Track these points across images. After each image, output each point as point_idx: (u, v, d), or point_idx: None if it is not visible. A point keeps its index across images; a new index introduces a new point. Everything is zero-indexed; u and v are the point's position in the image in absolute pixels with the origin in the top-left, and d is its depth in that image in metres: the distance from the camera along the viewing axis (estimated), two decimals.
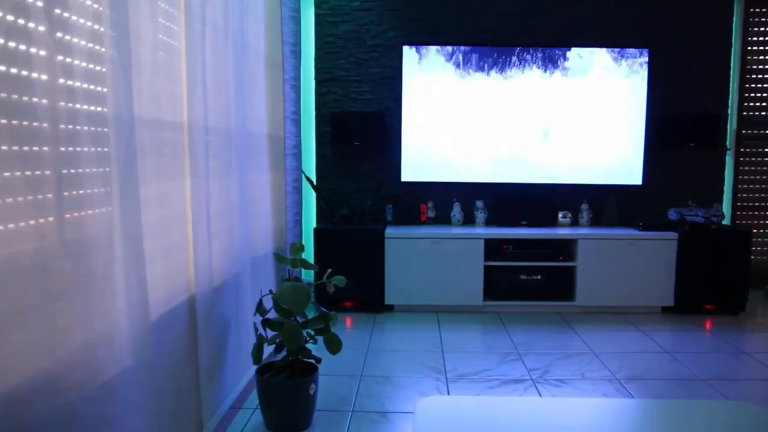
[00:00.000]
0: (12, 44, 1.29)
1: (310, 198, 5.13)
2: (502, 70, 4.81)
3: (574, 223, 5.02)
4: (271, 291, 2.82)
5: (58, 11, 1.45)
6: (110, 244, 1.67)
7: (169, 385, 2.18)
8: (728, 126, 5.04)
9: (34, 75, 1.36)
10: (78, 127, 1.53)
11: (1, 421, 1.26)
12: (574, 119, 4.84)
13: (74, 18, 1.53)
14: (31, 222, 1.36)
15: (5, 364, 1.27)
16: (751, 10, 5.00)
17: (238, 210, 2.97)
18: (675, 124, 4.86)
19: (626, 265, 4.53)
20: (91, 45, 1.60)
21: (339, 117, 4.85)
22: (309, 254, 4.82)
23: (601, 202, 5.05)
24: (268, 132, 3.69)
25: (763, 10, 5.00)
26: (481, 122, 4.85)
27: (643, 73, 4.79)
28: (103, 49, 1.64)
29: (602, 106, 4.83)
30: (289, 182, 4.08)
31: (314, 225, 5.09)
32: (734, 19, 4.95)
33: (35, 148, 1.37)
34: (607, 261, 4.53)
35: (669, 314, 4.59)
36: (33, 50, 1.36)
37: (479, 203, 4.95)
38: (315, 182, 5.07)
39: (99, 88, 1.63)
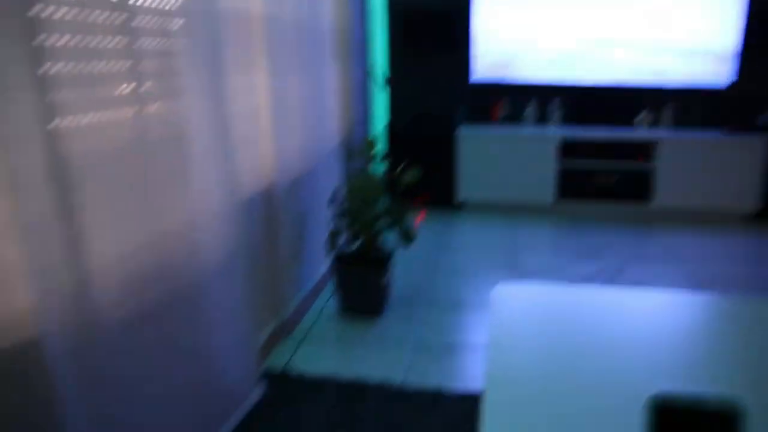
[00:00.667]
0: None
1: (382, 95, 5.05)
2: None
3: (656, 123, 4.77)
4: (345, 183, 2.84)
5: None
6: (203, 132, 1.71)
7: (253, 268, 2.27)
8: None
9: None
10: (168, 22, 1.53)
11: (122, 296, 1.34)
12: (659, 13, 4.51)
13: None
14: (135, 108, 1.41)
15: (125, 237, 1.35)
16: None
17: (312, 104, 2.96)
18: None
19: (710, 169, 4.31)
20: None
21: (411, 14, 4.68)
22: (381, 153, 4.81)
23: (686, 103, 4.76)
24: (339, 26, 3.60)
25: None
26: (561, 10, 4.58)
27: None
28: None
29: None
30: (358, 78, 4.02)
31: (386, 122, 5.05)
32: None
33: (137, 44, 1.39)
34: (689, 163, 4.32)
35: (752, 221, 4.39)
36: None
37: (554, 102, 4.76)
38: (386, 79, 4.98)
39: None
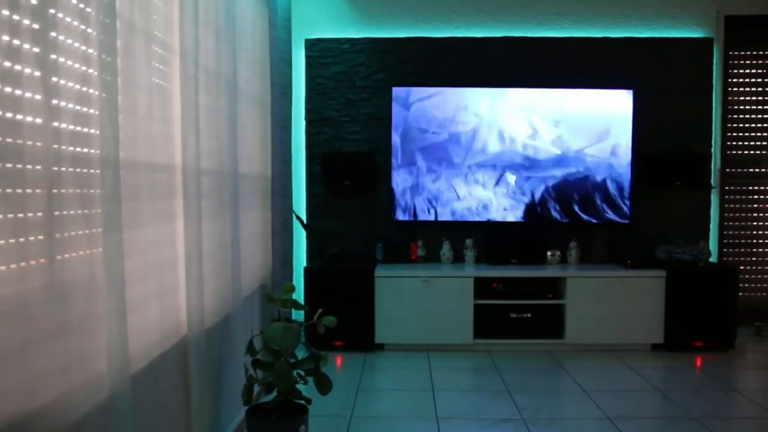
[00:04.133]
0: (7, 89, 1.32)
1: (300, 237, 5.14)
2: (492, 108, 4.91)
3: (563, 260, 5.05)
4: (261, 331, 2.81)
5: (53, 57, 1.49)
6: (93, 289, 1.65)
7: (161, 427, 2.16)
8: (712, 165, 5.14)
9: (29, 118, 1.39)
10: (63, 169, 1.55)
11: None
12: (558, 155, 4.92)
13: (67, 62, 1.56)
14: (14, 266, 1.36)
15: None
16: (731, 52, 5.14)
17: (230, 250, 2.98)
18: (661, 163, 4.94)
19: (615, 303, 4.55)
20: (79, 87, 1.63)
21: (329, 157, 4.91)
22: (299, 293, 4.81)
23: (589, 240, 5.10)
24: (259, 172, 3.72)
25: (741, 53, 5.15)
26: (471, 158, 4.92)
27: (628, 113, 4.90)
28: (92, 91, 1.67)
29: (589, 143, 4.92)
30: (278, 222, 4.10)
31: (304, 264, 5.09)
32: (714, 61, 5.09)
33: (19, 191, 1.37)
34: (595, 299, 4.55)
35: (659, 351, 4.59)
36: (27, 94, 1.38)
37: (468, 241, 4.97)
38: (305, 221, 5.09)
39: (86, 130, 1.65)
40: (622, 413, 3.32)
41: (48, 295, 1.46)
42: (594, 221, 4.98)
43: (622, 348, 4.63)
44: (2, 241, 1.31)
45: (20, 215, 1.36)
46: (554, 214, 4.97)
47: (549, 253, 4.96)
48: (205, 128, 2.64)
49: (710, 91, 5.09)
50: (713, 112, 5.12)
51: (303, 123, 5.10)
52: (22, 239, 1.36)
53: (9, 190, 1.33)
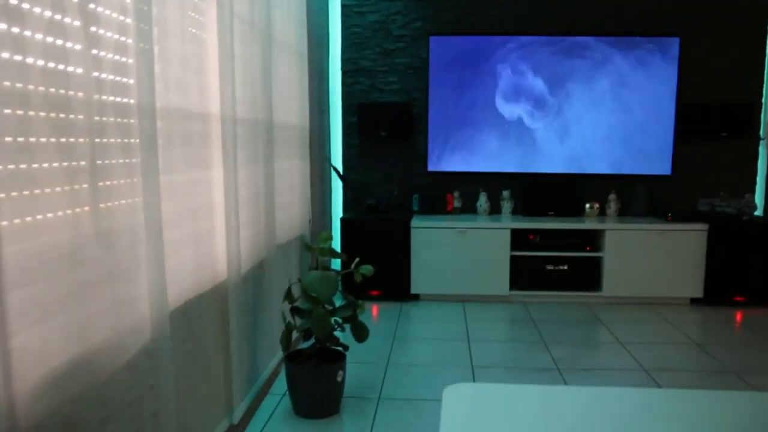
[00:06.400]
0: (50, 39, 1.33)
1: (336, 188, 5.16)
2: (528, 60, 4.78)
3: (602, 213, 4.97)
4: (299, 279, 2.86)
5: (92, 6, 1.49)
6: (135, 234, 1.70)
7: (200, 369, 2.24)
8: (762, 115, 4.94)
9: (70, 68, 1.40)
10: (105, 119, 1.57)
11: (43, 400, 1.31)
12: (602, 107, 4.80)
13: (106, 12, 1.57)
14: (68, 212, 1.41)
15: (46, 347, 1.32)
16: None
17: (264, 199, 3.01)
18: (706, 114, 4.78)
19: (654, 256, 4.48)
20: (117, 36, 1.64)
21: (365, 107, 4.87)
22: (336, 244, 4.86)
23: (629, 192, 5.00)
24: (296, 122, 3.72)
25: None
26: (509, 110, 4.83)
27: (674, 61, 4.72)
28: (129, 41, 1.68)
29: (632, 94, 4.78)
30: (316, 172, 4.12)
31: (341, 215, 5.13)
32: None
33: (71, 140, 1.41)
34: (634, 252, 4.49)
35: (698, 305, 4.54)
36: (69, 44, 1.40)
37: (505, 193, 4.93)
38: (342, 172, 5.10)
39: (125, 80, 1.67)
40: (659, 365, 3.31)
41: (97, 241, 1.51)
42: (635, 173, 4.87)
43: (660, 302, 4.58)
44: (57, 188, 1.37)
45: (65, 164, 1.39)
46: (594, 164, 4.87)
47: (587, 205, 4.88)
48: (240, 77, 2.65)
49: (761, 37, 4.86)
50: (765, 60, 4.90)
51: (339, 73, 5.06)
52: (67, 187, 1.40)
53: (62, 140, 1.37)
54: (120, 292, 1.62)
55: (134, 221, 1.69)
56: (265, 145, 3.00)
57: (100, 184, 1.53)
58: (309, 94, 3.96)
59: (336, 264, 5.08)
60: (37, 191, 1.31)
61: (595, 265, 4.60)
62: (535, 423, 1.14)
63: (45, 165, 1.33)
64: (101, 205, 1.53)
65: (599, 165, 4.85)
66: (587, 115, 4.82)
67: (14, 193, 1.24)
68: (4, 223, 1.21)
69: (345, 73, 5.05)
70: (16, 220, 1.25)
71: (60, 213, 1.38)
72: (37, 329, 1.29)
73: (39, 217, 1.32)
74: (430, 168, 4.93)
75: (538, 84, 4.82)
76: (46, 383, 1.32)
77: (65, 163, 1.39)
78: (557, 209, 4.90)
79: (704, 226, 4.45)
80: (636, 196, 4.93)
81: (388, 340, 3.74)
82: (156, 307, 1.78)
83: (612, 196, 4.90)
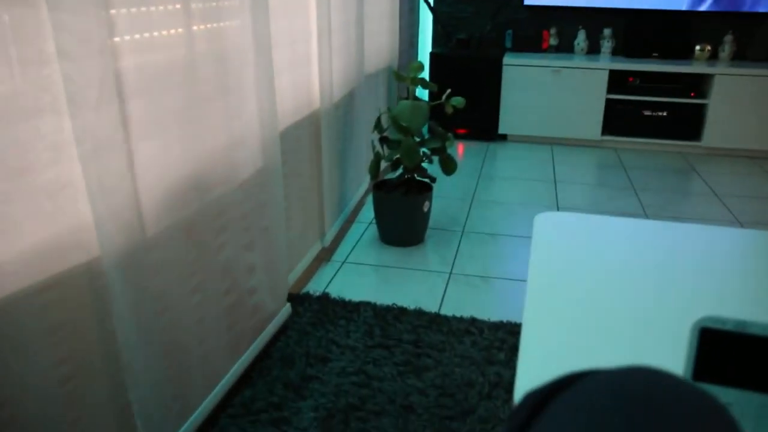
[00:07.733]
0: None
1: (425, 20, 4.93)
2: None
3: (713, 56, 4.56)
4: (389, 108, 2.82)
5: None
6: (245, 53, 1.70)
7: (296, 191, 2.31)
8: None
9: None
10: None
11: (166, 212, 1.38)
12: None
13: None
14: (180, 30, 1.41)
15: (165, 159, 1.38)
16: None
17: (354, 27, 2.91)
18: None
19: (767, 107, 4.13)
20: None
21: None
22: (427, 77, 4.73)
23: (748, 34, 4.52)
24: None
25: None
26: None
27: None
28: None
29: None
30: (404, 3, 3.92)
31: (429, 49, 4.94)
32: None
33: None
34: (745, 100, 4.14)
35: None
36: None
37: (606, 31, 4.58)
38: (432, 4, 4.84)
39: None
40: (756, 219, 3.17)
41: (210, 58, 1.53)
42: (756, 11, 4.36)
43: (766, 155, 4.29)
44: (170, 6, 1.36)
45: None
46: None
47: (698, 47, 4.47)
48: None
49: None
50: None
51: None
52: (179, 5, 1.39)
53: None
54: (232, 109, 1.65)
55: (244, 41, 1.69)
56: None
57: (213, 4, 1.51)
58: None
59: (424, 97, 4.99)
60: (153, 8, 1.31)
61: (698, 113, 4.31)
62: (627, 252, 1.11)
63: None
64: (212, 25, 1.52)
65: (716, 0, 4.37)
66: None
67: (133, 9, 1.25)
68: (126, 37, 1.23)
69: None
70: (136, 35, 1.27)
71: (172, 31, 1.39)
72: (157, 140, 1.34)
73: (155, 33, 1.33)
74: (527, 1, 4.59)
75: None
76: (168, 195, 1.39)
77: None
78: (662, 51, 4.53)
79: None
80: (755, 38, 4.46)
81: (474, 177, 3.73)
82: (267, 127, 1.82)
83: (728, 38, 4.46)
